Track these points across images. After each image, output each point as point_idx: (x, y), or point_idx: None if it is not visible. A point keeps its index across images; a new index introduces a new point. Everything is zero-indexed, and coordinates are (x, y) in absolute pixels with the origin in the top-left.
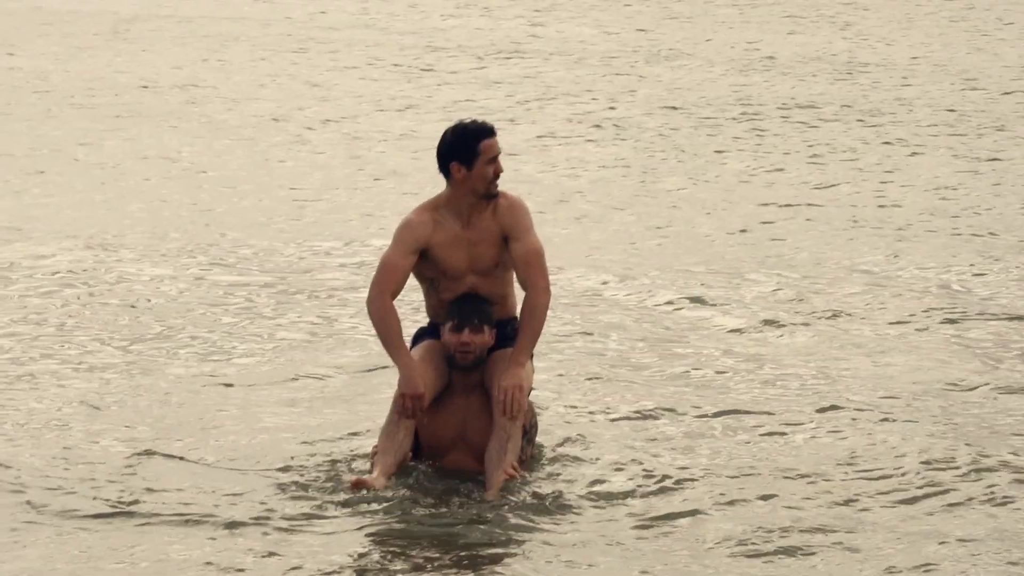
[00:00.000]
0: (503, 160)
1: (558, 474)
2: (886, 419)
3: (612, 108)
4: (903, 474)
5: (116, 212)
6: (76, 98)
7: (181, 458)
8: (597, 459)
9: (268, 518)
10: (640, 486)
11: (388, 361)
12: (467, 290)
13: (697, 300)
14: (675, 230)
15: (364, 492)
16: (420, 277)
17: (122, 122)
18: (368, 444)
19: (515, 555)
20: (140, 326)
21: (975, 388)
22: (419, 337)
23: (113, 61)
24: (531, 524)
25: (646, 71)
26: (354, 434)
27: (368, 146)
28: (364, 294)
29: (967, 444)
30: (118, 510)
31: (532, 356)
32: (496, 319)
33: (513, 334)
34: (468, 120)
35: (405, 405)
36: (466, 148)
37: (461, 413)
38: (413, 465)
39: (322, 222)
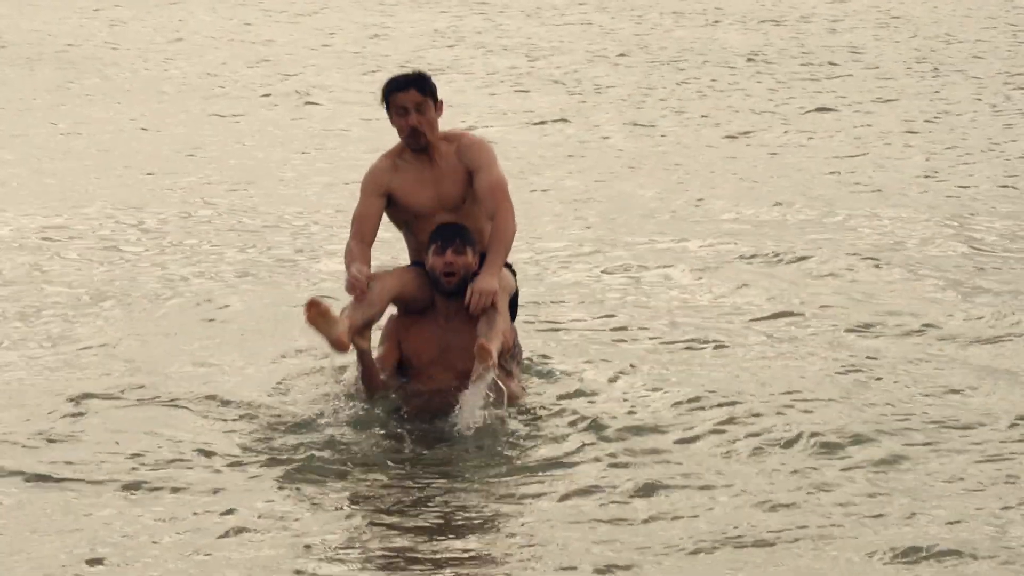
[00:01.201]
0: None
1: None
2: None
3: (555, 55)
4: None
5: (67, 172)
6: (21, 54)
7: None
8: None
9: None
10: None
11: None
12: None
13: (629, 251)
14: (610, 183)
15: (316, 328)
16: (396, 222)
17: (70, 75)
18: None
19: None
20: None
21: (900, 324)
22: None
23: (69, 16)
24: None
25: (599, 20)
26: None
27: (320, 99)
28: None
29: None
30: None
31: (515, 275)
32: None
33: None
34: (401, 71)
35: (350, 283)
36: (385, 101)
37: (443, 334)
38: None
39: (263, 175)
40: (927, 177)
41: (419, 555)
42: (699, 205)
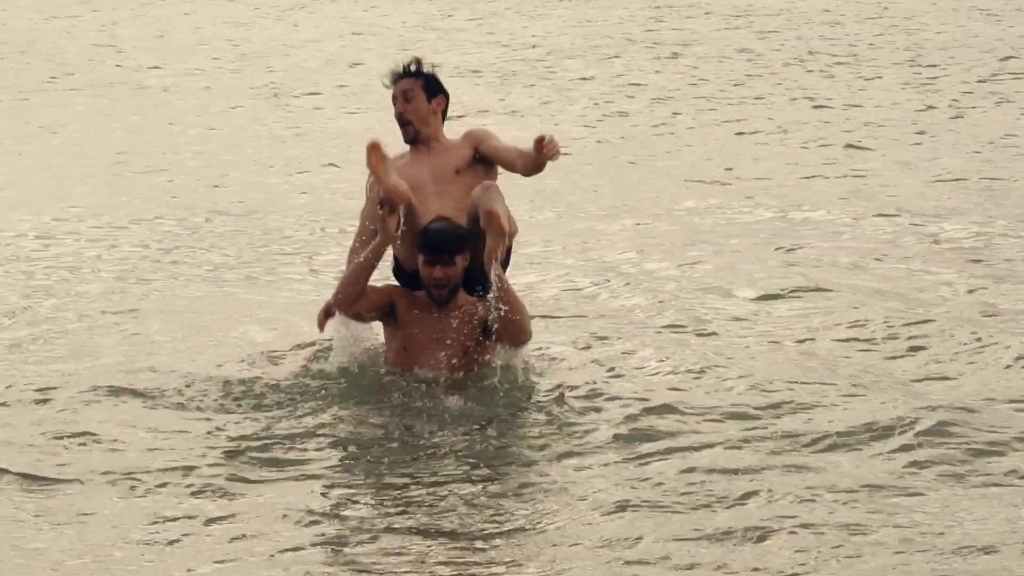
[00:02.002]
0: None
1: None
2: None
3: (538, 48)
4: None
5: (48, 171)
6: (6, 52)
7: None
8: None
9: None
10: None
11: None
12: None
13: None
14: (592, 176)
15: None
16: None
17: (55, 73)
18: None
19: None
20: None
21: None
22: (397, 270)
23: (57, 15)
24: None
25: (585, 13)
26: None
27: (304, 95)
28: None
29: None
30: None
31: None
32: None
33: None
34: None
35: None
36: None
37: (436, 323)
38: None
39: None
40: (908, 168)
41: (414, 545)
42: (679, 197)
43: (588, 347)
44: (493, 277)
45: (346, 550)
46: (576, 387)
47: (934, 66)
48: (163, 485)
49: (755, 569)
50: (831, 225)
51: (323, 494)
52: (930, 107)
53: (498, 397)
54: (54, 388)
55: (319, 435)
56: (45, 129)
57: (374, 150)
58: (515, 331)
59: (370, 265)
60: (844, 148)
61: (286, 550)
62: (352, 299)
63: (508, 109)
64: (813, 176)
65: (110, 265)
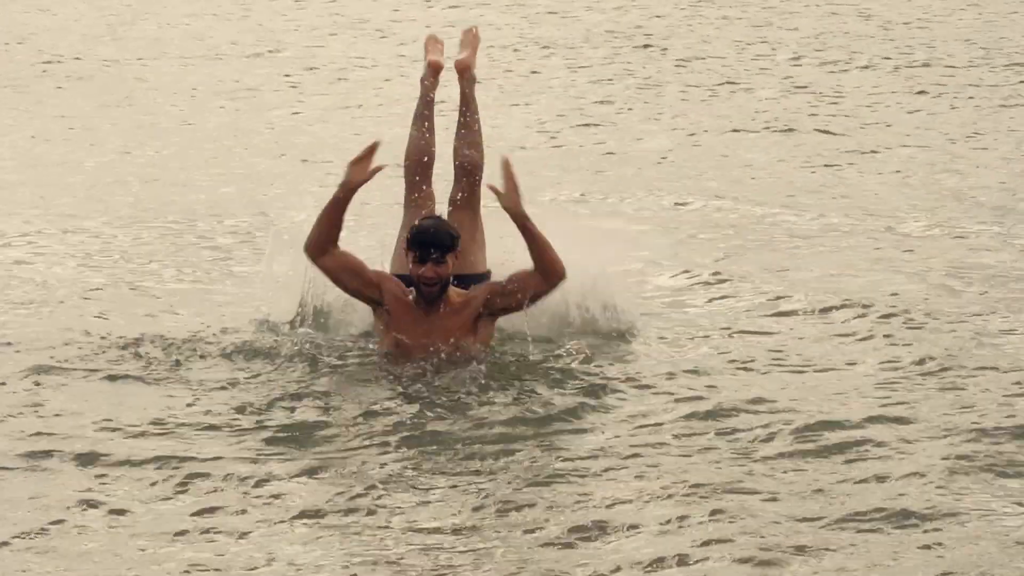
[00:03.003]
0: None
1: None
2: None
3: (507, 39)
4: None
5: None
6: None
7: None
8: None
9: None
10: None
11: None
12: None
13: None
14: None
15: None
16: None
17: (39, 71)
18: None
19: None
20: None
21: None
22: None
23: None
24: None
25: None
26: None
27: (277, 90)
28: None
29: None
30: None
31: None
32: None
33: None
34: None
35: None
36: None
37: (424, 318)
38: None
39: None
40: (885, 163)
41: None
42: (660, 188)
43: (577, 333)
44: (499, 189)
45: (327, 538)
46: (566, 373)
47: (917, 58)
48: (130, 463)
49: (762, 557)
50: (805, 220)
51: (305, 481)
52: (914, 95)
53: (491, 383)
54: (38, 370)
55: (307, 414)
56: (26, 120)
57: (434, 40)
58: (547, 266)
59: (335, 206)
60: (821, 139)
61: (261, 528)
62: (318, 240)
63: (489, 100)
64: (792, 168)
65: (92, 257)
